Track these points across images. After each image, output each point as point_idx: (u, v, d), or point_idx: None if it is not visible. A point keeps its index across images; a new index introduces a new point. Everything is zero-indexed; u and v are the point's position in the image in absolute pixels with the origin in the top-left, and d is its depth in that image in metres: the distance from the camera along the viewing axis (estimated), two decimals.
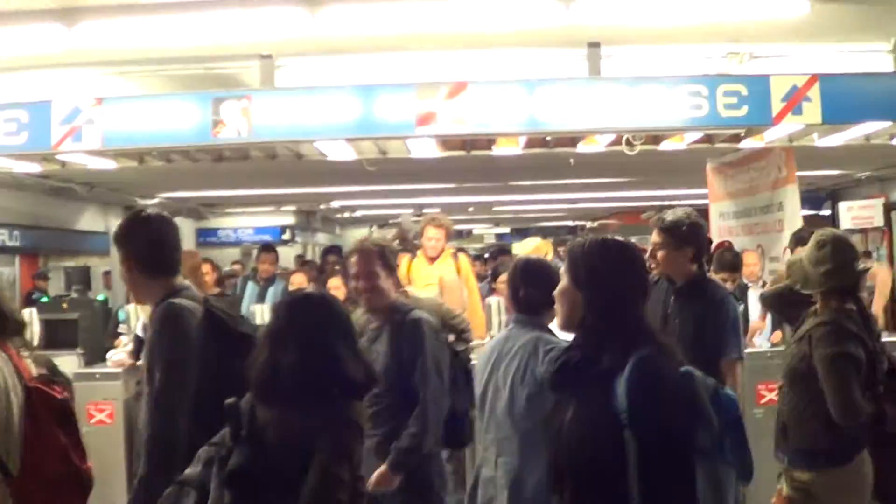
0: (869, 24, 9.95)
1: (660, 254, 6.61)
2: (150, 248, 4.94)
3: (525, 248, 10.94)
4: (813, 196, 23.67)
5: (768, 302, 8.13)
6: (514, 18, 9.13)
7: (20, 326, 4.89)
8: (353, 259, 6.22)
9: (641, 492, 3.46)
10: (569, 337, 4.01)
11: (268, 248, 14.46)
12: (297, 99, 10.15)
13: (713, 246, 10.91)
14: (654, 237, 6.69)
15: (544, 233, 35.90)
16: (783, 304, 7.25)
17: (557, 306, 3.98)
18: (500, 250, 17.14)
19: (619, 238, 4.07)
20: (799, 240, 9.52)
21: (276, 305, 4.84)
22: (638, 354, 3.58)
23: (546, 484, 5.25)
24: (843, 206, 21.97)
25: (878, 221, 20.95)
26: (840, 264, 5.78)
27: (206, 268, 12.09)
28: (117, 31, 8.99)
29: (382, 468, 5.86)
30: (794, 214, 12.67)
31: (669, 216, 6.69)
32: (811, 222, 23.71)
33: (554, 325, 5.90)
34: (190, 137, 10.36)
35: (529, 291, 5.73)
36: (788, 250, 9.95)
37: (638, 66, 10.69)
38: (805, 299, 6.12)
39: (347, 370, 4.15)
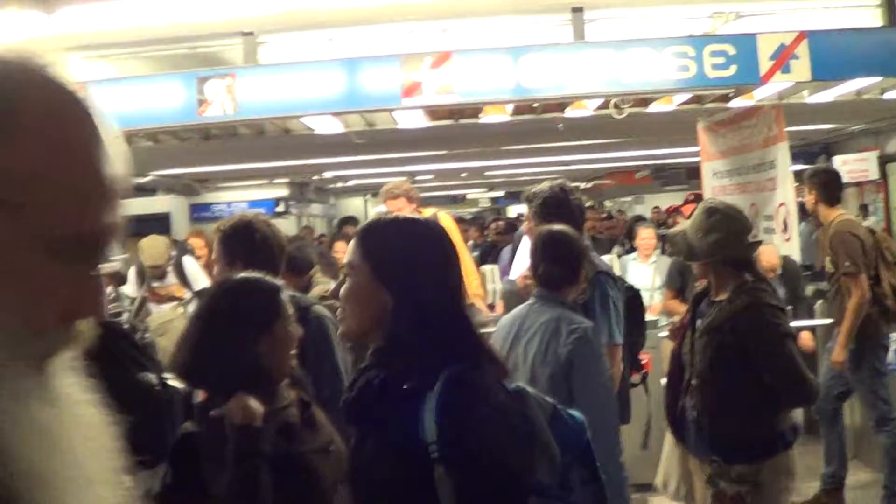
0: None
1: (527, 227, 6.53)
2: None
3: None
4: (806, 151, 23.60)
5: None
6: None
7: None
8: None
9: None
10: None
11: None
12: (281, 75, 10.11)
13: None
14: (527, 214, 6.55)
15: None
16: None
17: (347, 307, 3.14)
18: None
19: (418, 216, 3.32)
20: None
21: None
22: (451, 370, 2.84)
23: None
24: (837, 160, 21.92)
25: (874, 174, 20.95)
26: (731, 232, 5.51)
27: (197, 242, 12.06)
28: (97, 15, 8.93)
29: None
30: (785, 172, 12.65)
31: (535, 189, 6.57)
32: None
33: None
34: (175, 117, 10.34)
35: (552, 266, 5.58)
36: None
37: (623, 29, 10.60)
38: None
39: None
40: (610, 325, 6.20)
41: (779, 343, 5.26)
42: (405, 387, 2.88)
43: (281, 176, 26.75)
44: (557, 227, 6.19)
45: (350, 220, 14.54)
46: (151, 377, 4.42)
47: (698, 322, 5.62)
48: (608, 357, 5.99)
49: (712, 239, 5.46)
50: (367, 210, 35.89)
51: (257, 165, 22.41)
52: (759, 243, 5.97)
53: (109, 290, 12.27)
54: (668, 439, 6.02)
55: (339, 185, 32.14)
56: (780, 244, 11.82)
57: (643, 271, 11.35)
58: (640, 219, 17.00)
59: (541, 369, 5.32)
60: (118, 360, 4.41)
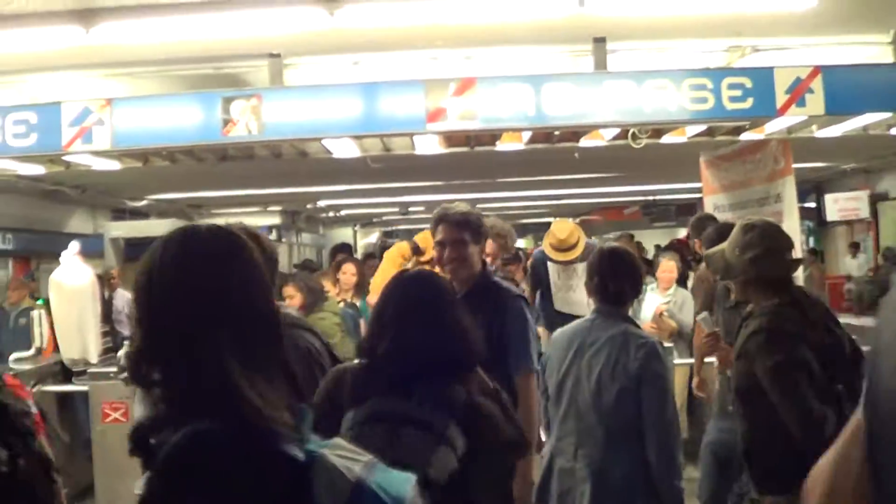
0: (868, 16, 10.10)
1: (455, 253, 5.84)
2: None
3: (566, 227, 10.64)
4: (798, 188, 23.81)
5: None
6: (522, 14, 9.26)
7: None
8: None
9: None
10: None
11: None
12: (306, 97, 10.21)
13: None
14: (443, 234, 5.94)
15: (526, 230, 36.08)
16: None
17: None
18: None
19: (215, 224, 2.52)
20: (701, 229, 9.34)
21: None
22: (190, 428, 2.16)
23: (631, 478, 5.28)
24: (829, 198, 22.23)
25: (864, 213, 21.23)
26: (769, 249, 5.18)
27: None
28: (127, 32, 9.02)
29: None
30: (791, 205, 12.81)
31: (460, 208, 6.03)
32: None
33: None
34: (200, 136, 10.37)
35: (618, 282, 5.58)
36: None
37: (642, 60, 10.80)
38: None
39: None
40: (531, 351, 5.81)
41: (775, 373, 4.86)
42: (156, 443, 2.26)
43: (275, 203, 26.83)
44: (616, 244, 6.38)
45: (344, 248, 14.47)
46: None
47: None
48: (526, 385, 5.64)
49: (749, 255, 5.17)
50: (357, 240, 36.00)
51: (255, 192, 22.51)
52: (800, 261, 5.83)
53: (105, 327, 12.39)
54: None
55: (331, 214, 32.23)
56: None
57: (658, 302, 11.40)
58: (664, 249, 17.13)
59: (609, 383, 5.35)
60: None
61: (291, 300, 10.01)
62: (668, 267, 11.50)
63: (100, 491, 9.77)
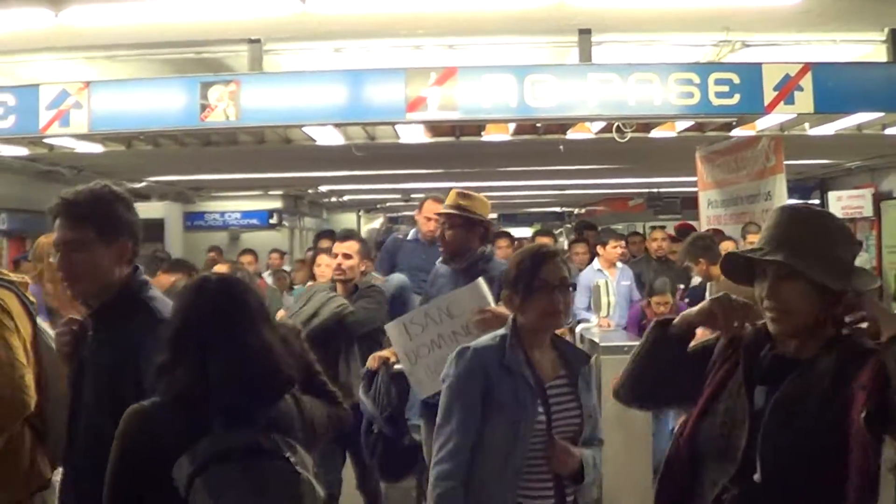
0: (862, 13, 9.89)
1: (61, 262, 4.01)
2: None
3: None
4: (801, 185, 23.65)
5: None
6: (506, 3, 9.12)
7: None
8: None
9: None
10: None
11: None
12: (285, 84, 10.11)
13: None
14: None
15: (532, 219, 35.93)
16: None
17: None
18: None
19: None
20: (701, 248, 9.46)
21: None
22: None
23: None
24: (832, 196, 22.00)
25: (868, 211, 20.97)
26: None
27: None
28: (105, 15, 8.92)
29: None
30: (781, 203, 12.64)
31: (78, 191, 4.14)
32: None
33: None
34: (178, 121, 10.25)
35: None
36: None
37: (629, 53, 10.62)
38: None
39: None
40: None
41: None
42: None
43: (276, 188, 26.68)
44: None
45: (327, 234, 14.29)
46: None
47: (757, 392, 3.23)
48: None
49: (851, 256, 3.26)
50: (360, 225, 35.82)
51: (255, 176, 22.37)
52: None
53: None
54: None
55: (334, 199, 32.04)
56: None
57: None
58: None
59: None
60: None
61: None
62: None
63: None
